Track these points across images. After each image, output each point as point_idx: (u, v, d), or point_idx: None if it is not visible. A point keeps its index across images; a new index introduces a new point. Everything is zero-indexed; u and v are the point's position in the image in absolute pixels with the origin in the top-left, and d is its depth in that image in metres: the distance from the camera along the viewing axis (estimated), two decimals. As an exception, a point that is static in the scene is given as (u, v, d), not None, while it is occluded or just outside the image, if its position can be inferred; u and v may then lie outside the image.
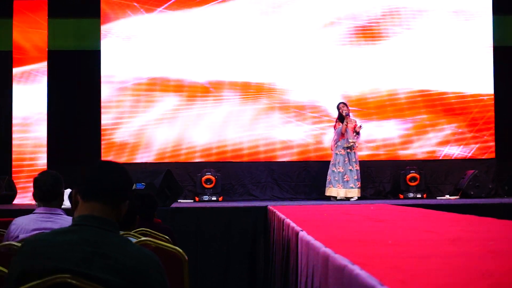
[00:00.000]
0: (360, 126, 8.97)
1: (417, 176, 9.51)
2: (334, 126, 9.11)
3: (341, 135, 8.97)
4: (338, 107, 9.13)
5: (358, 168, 8.98)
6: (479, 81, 9.96)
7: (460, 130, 9.95)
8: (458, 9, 10.05)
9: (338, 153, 9.01)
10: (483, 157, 9.92)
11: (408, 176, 9.51)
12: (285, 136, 9.85)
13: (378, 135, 9.91)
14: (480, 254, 2.02)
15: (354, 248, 2.22)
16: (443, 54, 9.99)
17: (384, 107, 9.95)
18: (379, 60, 9.96)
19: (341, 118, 9.02)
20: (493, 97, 9.95)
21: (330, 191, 9.00)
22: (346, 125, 8.93)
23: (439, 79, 9.97)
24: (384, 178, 9.91)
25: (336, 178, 8.96)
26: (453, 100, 9.97)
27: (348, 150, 8.96)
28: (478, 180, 9.34)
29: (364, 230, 3.25)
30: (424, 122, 9.95)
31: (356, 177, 8.93)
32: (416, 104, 9.96)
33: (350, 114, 9.11)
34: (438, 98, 9.96)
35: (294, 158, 9.87)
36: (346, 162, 8.94)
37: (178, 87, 9.90)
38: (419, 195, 9.45)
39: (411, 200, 8.82)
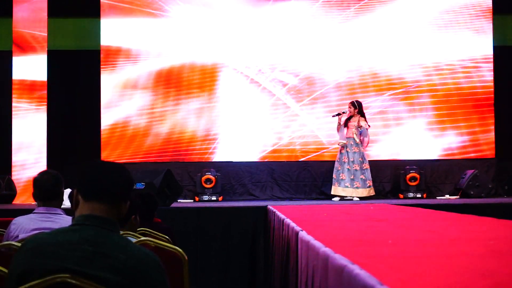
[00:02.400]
0: (359, 117, 8.92)
1: (417, 176, 9.51)
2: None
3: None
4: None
5: (357, 168, 8.94)
6: (479, 80, 9.96)
7: (459, 130, 9.94)
8: (458, 9, 10.05)
9: (338, 151, 9.04)
10: (483, 157, 9.92)
11: (408, 176, 9.51)
12: (288, 134, 9.86)
13: (377, 134, 9.91)
14: (480, 254, 2.02)
15: (353, 248, 2.22)
16: (443, 54, 9.99)
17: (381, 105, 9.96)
18: (378, 57, 9.96)
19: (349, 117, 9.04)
20: (493, 96, 9.95)
21: (333, 190, 9.03)
22: (344, 125, 8.93)
23: (439, 78, 9.97)
24: (384, 178, 9.91)
25: (334, 177, 9.00)
26: (453, 100, 9.96)
27: (347, 150, 8.95)
28: (478, 180, 9.33)
29: (364, 230, 3.24)
30: (424, 122, 9.95)
31: (352, 177, 8.91)
32: (415, 103, 9.96)
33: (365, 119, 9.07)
34: (438, 98, 9.96)
35: (294, 158, 9.87)
36: (344, 161, 8.94)
37: (179, 86, 9.90)
38: (419, 195, 9.45)
39: (411, 200, 8.81)
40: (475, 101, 9.96)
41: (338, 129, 9.00)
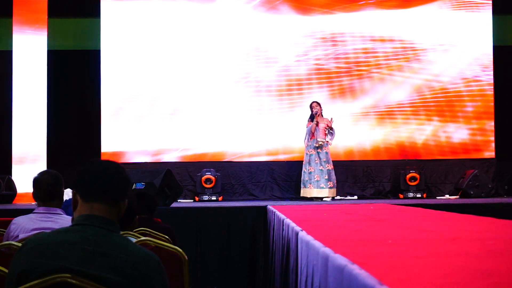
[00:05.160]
0: (331, 119, 8.87)
1: (417, 175, 9.51)
2: (307, 125, 9.08)
3: (312, 134, 8.95)
4: (310, 106, 9.08)
5: (330, 167, 8.91)
6: (479, 80, 9.96)
7: (460, 130, 9.95)
8: (458, 9, 10.05)
9: (308, 153, 8.98)
10: (483, 157, 9.92)
11: (408, 176, 9.51)
12: (286, 135, 9.86)
13: (378, 133, 9.92)
14: (480, 254, 2.02)
15: (353, 247, 2.22)
16: (443, 54, 9.99)
17: (381, 105, 9.96)
18: (380, 56, 9.97)
19: (312, 117, 8.99)
20: (493, 96, 9.95)
21: (304, 192, 8.98)
22: (316, 124, 8.91)
23: (439, 78, 9.97)
24: (384, 177, 9.91)
25: (307, 179, 8.94)
26: (453, 100, 9.97)
27: (319, 150, 8.92)
28: (478, 179, 9.34)
29: (363, 230, 3.24)
30: (424, 122, 9.95)
31: (326, 177, 8.88)
32: (416, 103, 9.96)
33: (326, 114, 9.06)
34: (438, 98, 9.96)
35: (294, 158, 9.86)
36: (316, 162, 8.90)
37: (179, 86, 9.90)
38: (419, 195, 9.45)
39: (411, 200, 8.82)
40: (475, 101, 9.96)
41: (314, 129, 8.94)
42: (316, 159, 8.89)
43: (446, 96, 9.97)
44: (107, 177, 1.99)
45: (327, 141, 8.90)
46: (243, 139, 9.87)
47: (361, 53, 9.99)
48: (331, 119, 8.87)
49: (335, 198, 8.95)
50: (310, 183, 8.89)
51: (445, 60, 9.99)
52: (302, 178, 9.03)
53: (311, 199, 8.87)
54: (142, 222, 3.75)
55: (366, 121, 9.90)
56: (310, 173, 8.91)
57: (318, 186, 8.86)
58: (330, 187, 8.88)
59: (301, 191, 9.03)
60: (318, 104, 9.05)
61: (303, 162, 9.03)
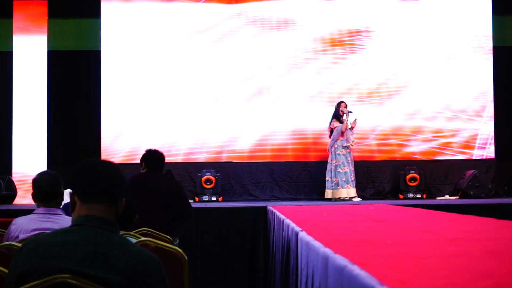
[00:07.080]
0: (355, 120, 8.93)
1: (417, 176, 9.50)
2: (332, 125, 9.08)
3: (341, 134, 8.95)
4: (338, 105, 9.08)
5: (353, 168, 8.98)
6: (479, 81, 9.96)
7: (459, 130, 9.94)
8: (458, 9, 10.06)
9: (340, 153, 8.96)
10: (483, 157, 9.92)
11: (408, 176, 9.50)
12: (285, 135, 9.86)
13: (379, 134, 9.92)
14: (480, 254, 2.02)
15: (353, 248, 2.22)
16: (443, 54, 9.99)
17: (381, 105, 9.96)
18: (381, 56, 9.97)
19: (338, 116, 8.99)
20: (492, 97, 9.95)
21: (341, 193, 8.89)
22: (346, 123, 8.93)
23: (439, 78, 9.97)
24: (384, 178, 9.91)
25: (344, 179, 8.92)
26: (453, 100, 9.97)
27: (349, 150, 8.96)
28: (477, 180, 9.33)
29: (364, 230, 3.25)
30: (423, 122, 9.94)
31: (353, 177, 8.93)
32: (415, 103, 9.95)
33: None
34: (438, 98, 9.96)
35: (294, 158, 9.87)
36: (349, 161, 8.94)
37: (178, 87, 9.90)
38: (418, 195, 9.45)
39: (410, 200, 8.82)
40: (474, 101, 9.96)
41: (345, 129, 8.96)
42: (348, 159, 8.93)
43: (445, 96, 9.95)
44: (105, 177, 1.99)
45: (353, 140, 8.94)
46: (243, 139, 9.87)
47: (362, 52, 9.99)
48: (355, 120, 8.91)
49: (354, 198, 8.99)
50: (348, 183, 8.89)
51: (445, 60, 9.98)
52: (337, 179, 8.92)
53: (351, 199, 8.85)
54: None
55: (368, 121, 9.89)
56: (345, 173, 8.90)
57: (353, 186, 8.91)
58: (354, 187, 8.95)
59: (336, 192, 8.90)
60: (346, 104, 9.07)
61: (333, 163, 8.98)
